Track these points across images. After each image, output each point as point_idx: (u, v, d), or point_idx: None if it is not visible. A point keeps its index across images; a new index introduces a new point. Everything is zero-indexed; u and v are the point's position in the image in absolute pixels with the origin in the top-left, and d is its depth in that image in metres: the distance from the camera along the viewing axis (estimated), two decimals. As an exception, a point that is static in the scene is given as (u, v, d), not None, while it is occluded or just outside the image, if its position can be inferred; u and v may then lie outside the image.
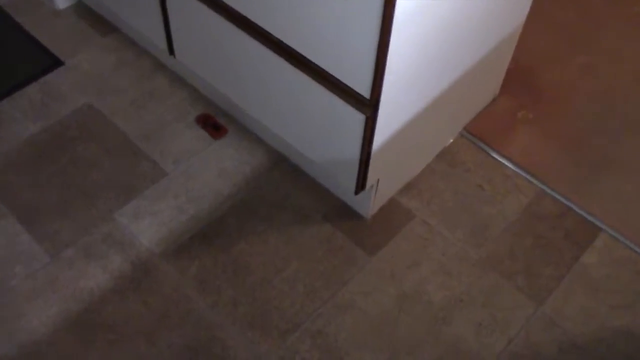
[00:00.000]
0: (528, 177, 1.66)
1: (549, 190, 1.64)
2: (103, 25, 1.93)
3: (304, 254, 1.51)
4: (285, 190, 1.61)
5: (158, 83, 1.81)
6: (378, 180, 1.47)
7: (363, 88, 1.20)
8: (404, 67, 1.21)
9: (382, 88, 1.19)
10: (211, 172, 1.64)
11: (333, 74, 1.23)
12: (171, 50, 1.65)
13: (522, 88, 1.84)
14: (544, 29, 1.97)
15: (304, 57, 1.26)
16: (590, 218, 1.60)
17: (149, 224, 1.54)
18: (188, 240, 1.53)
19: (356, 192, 1.45)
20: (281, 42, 1.28)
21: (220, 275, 1.47)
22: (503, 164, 1.69)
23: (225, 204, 1.58)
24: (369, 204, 1.53)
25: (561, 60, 1.92)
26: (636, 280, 1.51)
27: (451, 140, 1.72)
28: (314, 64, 1.25)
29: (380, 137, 1.32)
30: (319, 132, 1.39)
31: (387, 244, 1.54)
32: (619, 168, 1.69)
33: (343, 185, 1.49)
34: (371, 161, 1.36)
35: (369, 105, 1.23)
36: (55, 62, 1.83)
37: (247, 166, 1.65)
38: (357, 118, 1.26)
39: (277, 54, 1.31)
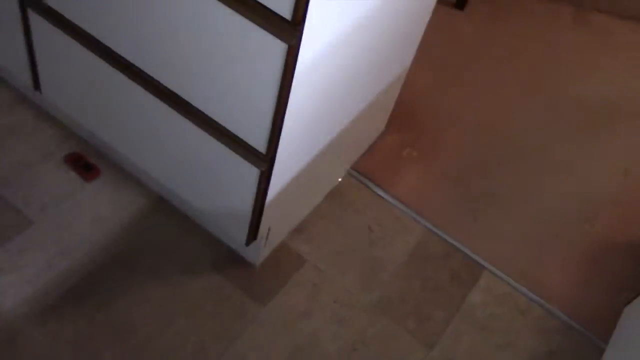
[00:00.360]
0: (415, 216, 1.68)
1: (435, 230, 1.67)
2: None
3: (192, 308, 1.42)
4: (168, 238, 1.50)
5: (20, 118, 1.62)
6: (269, 228, 1.41)
7: (259, 143, 1.14)
8: (301, 121, 1.16)
9: (278, 143, 1.13)
10: (85, 220, 1.49)
11: (228, 128, 1.16)
12: (37, 85, 1.48)
13: (406, 123, 1.86)
14: (424, 65, 2.01)
15: (197, 109, 1.18)
16: (474, 256, 1.64)
17: (11, 282, 1.37)
18: (59, 299, 1.37)
19: (247, 244, 1.38)
20: (171, 91, 1.19)
21: (99, 338, 1.34)
22: (391, 203, 1.69)
23: (101, 255, 1.45)
24: (259, 251, 1.47)
25: (442, 97, 1.97)
26: (516, 317, 1.56)
27: (340, 179, 1.70)
28: (207, 116, 1.17)
29: (274, 188, 1.26)
30: (209, 183, 1.31)
31: (278, 292, 1.48)
32: (499, 204, 1.75)
33: (233, 235, 1.41)
34: (264, 211, 1.30)
35: (264, 160, 1.16)
36: None
37: (125, 212, 1.52)
38: (252, 172, 1.20)
39: (166, 103, 1.21)
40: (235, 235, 1.38)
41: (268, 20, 0.94)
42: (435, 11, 1.52)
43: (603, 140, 1.96)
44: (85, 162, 1.56)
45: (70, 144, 1.60)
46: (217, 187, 1.31)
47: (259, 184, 1.21)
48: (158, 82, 1.19)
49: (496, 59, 2.11)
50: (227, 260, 1.50)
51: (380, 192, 1.70)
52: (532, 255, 1.67)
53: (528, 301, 1.59)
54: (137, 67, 1.21)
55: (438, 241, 1.65)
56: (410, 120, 1.88)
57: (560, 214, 1.76)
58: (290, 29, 0.93)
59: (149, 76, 1.20)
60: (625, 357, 1.37)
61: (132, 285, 1.42)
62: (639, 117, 2.04)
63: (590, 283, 1.65)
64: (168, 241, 1.50)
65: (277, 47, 0.96)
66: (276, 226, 1.45)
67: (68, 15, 1.23)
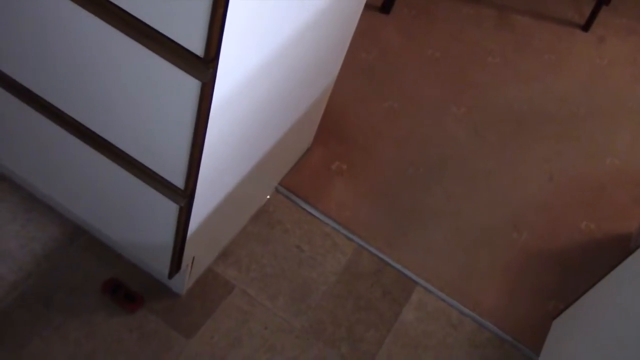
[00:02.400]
0: (346, 232, 1.64)
1: (366, 246, 1.64)
2: None
3: (112, 346, 1.34)
4: (85, 270, 1.41)
5: None
6: (193, 258, 1.34)
7: (177, 179, 1.07)
8: (220, 154, 1.10)
9: (197, 178, 1.06)
10: (-9, 255, 1.38)
11: (145, 164, 1.08)
12: None
13: (334, 137, 1.82)
14: (351, 72, 1.97)
15: (113, 145, 1.09)
16: (405, 272, 1.62)
17: None
18: (-35, 345, 1.27)
19: (170, 277, 1.30)
20: (87, 127, 1.10)
21: (10, 386, 1.25)
22: (321, 220, 1.65)
23: (10, 294, 1.34)
24: (183, 280, 1.40)
25: (369, 105, 1.93)
26: (449, 333, 1.55)
27: (267, 197, 1.64)
28: (123, 152, 1.08)
29: (195, 221, 1.19)
30: (128, 218, 1.23)
31: (205, 322, 1.42)
32: (427, 216, 1.74)
33: (155, 268, 1.34)
34: (186, 244, 1.23)
35: (183, 195, 1.09)
36: None
37: (36, 244, 1.42)
38: (171, 207, 1.12)
39: (80, 139, 1.12)
40: (157, 267, 1.31)
41: (180, 57, 0.86)
42: (360, 16, 1.48)
43: (528, 145, 1.97)
44: (-9, 190, 1.45)
45: (-28, 170, 1.48)
46: (136, 222, 1.23)
47: (179, 218, 1.14)
48: (71, 117, 1.10)
49: (422, 64, 2.09)
50: (151, 291, 1.42)
51: (309, 209, 1.65)
52: (463, 267, 1.67)
53: (460, 315, 1.58)
54: (48, 102, 1.11)
55: (369, 257, 1.62)
56: (338, 132, 1.83)
57: (489, 224, 1.77)
58: (203, 67, 0.86)
59: (60, 111, 1.11)
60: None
61: (46, 325, 1.32)
62: (561, 120, 2.07)
63: (519, 293, 1.66)
64: (85, 274, 1.41)
65: (190, 85, 0.89)
66: (201, 254, 1.38)
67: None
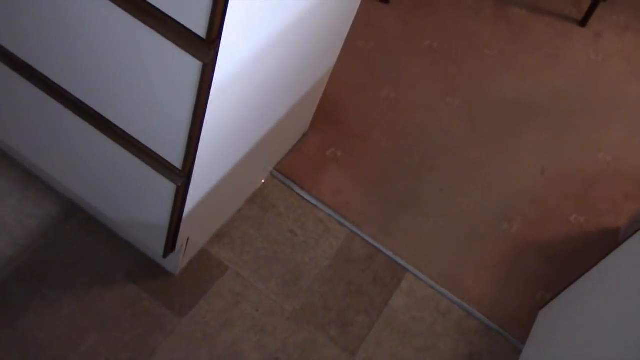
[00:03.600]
0: (339, 218, 1.66)
1: (358, 232, 1.66)
2: None
3: (105, 323, 1.35)
4: (81, 247, 1.43)
5: None
6: (188, 238, 1.36)
7: (175, 159, 1.08)
8: (219, 135, 1.11)
9: (195, 158, 1.07)
10: (-13, 230, 1.39)
11: (143, 143, 1.09)
12: None
13: (330, 123, 1.83)
14: (349, 60, 1.98)
15: (112, 123, 1.10)
16: (396, 259, 1.64)
17: None
18: (-40, 317, 1.29)
19: (164, 256, 1.32)
20: (86, 105, 1.11)
21: (5, 358, 1.26)
22: (315, 205, 1.66)
23: (6, 267, 1.36)
24: (178, 261, 1.42)
25: (366, 94, 1.95)
26: (437, 320, 1.58)
27: (262, 181, 1.66)
28: (122, 130, 1.09)
29: (192, 200, 1.21)
30: (124, 196, 1.24)
31: (198, 302, 1.44)
32: (420, 205, 1.76)
33: (150, 247, 1.35)
34: (182, 224, 1.25)
35: (180, 175, 1.11)
36: None
37: (33, 220, 1.43)
38: (168, 187, 1.14)
39: (80, 117, 1.13)
40: (152, 247, 1.32)
41: (183, 37, 0.87)
42: (360, 5, 1.49)
43: (521, 138, 1.99)
44: (-12, 166, 1.46)
45: (-30, 145, 1.49)
46: (132, 200, 1.24)
47: (176, 198, 1.16)
48: (70, 93, 1.11)
49: (420, 55, 2.11)
50: (144, 269, 1.44)
51: (304, 194, 1.67)
52: (453, 256, 1.69)
53: (449, 303, 1.60)
54: (47, 78, 1.12)
55: (361, 243, 1.64)
56: (335, 118, 1.85)
57: (480, 214, 1.79)
58: (205, 47, 0.87)
59: (60, 87, 1.12)
60: (541, 359, 1.41)
61: (40, 300, 1.34)
62: (555, 114, 2.09)
63: (507, 283, 1.69)
64: (80, 251, 1.42)
65: (192, 65, 0.90)
66: (196, 235, 1.39)
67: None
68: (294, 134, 1.72)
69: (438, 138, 1.91)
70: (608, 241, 1.83)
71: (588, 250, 1.80)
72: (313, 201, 1.67)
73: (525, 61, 2.20)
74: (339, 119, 1.85)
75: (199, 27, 0.86)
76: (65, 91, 1.12)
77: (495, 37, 2.24)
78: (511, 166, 1.92)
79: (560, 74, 2.20)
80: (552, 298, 1.52)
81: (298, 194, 1.67)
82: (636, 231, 1.29)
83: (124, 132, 1.10)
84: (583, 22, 2.36)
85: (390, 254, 1.64)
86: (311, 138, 1.78)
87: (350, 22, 1.48)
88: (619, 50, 2.34)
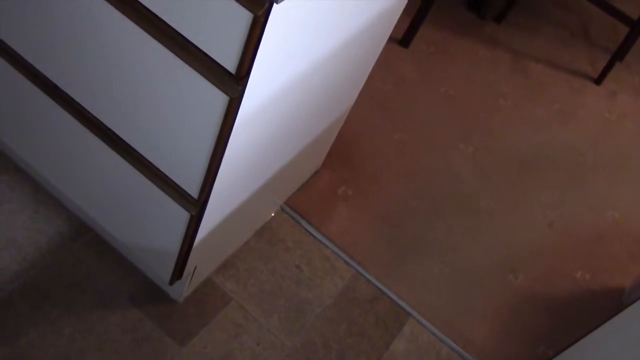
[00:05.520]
0: (345, 258, 1.66)
1: (364, 273, 1.65)
2: None
3: (105, 346, 1.35)
4: (87, 268, 1.43)
5: None
6: (195, 267, 1.36)
7: (192, 188, 1.09)
8: (236, 168, 1.12)
9: (212, 189, 1.08)
10: (-3, 243, 1.40)
11: (162, 169, 1.10)
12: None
13: (343, 162, 1.84)
14: (365, 100, 2.00)
15: (131, 147, 1.12)
16: (400, 302, 1.63)
17: None
18: (-39, 329, 1.28)
19: (171, 283, 1.32)
20: (107, 127, 1.12)
21: (1, 374, 1.25)
22: (322, 243, 1.66)
23: (12, 283, 1.36)
24: (183, 288, 1.41)
25: (380, 135, 1.96)
26: (438, 367, 1.57)
27: (272, 215, 1.66)
28: (141, 155, 1.11)
29: (204, 230, 1.21)
30: (136, 220, 1.25)
31: (200, 332, 1.43)
32: (427, 250, 1.76)
33: (157, 272, 1.35)
34: (191, 252, 1.25)
35: (195, 205, 1.12)
36: None
37: (42, 237, 1.43)
38: (182, 215, 1.14)
39: (100, 138, 1.15)
40: (159, 273, 1.32)
41: (212, 71, 0.89)
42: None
43: (531, 190, 2.00)
44: None
45: (-13, 158, 1.50)
46: (144, 226, 1.25)
47: (188, 226, 1.16)
48: (94, 116, 1.13)
49: (435, 100, 2.13)
50: (148, 294, 1.44)
51: (312, 230, 1.67)
52: (456, 303, 1.69)
53: (450, 351, 1.59)
54: (73, 99, 1.14)
55: (366, 284, 1.64)
56: (348, 157, 1.86)
57: (486, 263, 1.79)
58: (233, 83, 0.89)
59: (84, 109, 1.13)
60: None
61: (43, 318, 1.34)
62: (566, 169, 2.10)
63: (509, 334, 1.68)
64: (86, 272, 1.42)
65: (218, 99, 0.92)
66: (203, 264, 1.40)
67: (12, 44, 1.15)
68: (306, 170, 1.73)
69: (449, 184, 1.92)
70: (612, 301, 1.82)
71: (592, 308, 1.79)
72: (321, 238, 1.67)
73: (539, 114, 2.22)
74: (351, 158, 1.87)
75: (230, 62, 0.87)
76: (89, 113, 1.14)
77: (511, 89, 2.27)
78: (520, 217, 1.92)
79: (573, 130, 2.22)
80: (555, 354, 1.50)
81: (306, 230, 1.67)
82: (641, 296, 1.29)
83: (143, 157, 1.12)
84: (598, 81, 2.39)
85: (394, 297, 1.64)
86: (323, 175, 1.79)
87: (372, 65, 1.50)
88: (633, 111, 2.37)
